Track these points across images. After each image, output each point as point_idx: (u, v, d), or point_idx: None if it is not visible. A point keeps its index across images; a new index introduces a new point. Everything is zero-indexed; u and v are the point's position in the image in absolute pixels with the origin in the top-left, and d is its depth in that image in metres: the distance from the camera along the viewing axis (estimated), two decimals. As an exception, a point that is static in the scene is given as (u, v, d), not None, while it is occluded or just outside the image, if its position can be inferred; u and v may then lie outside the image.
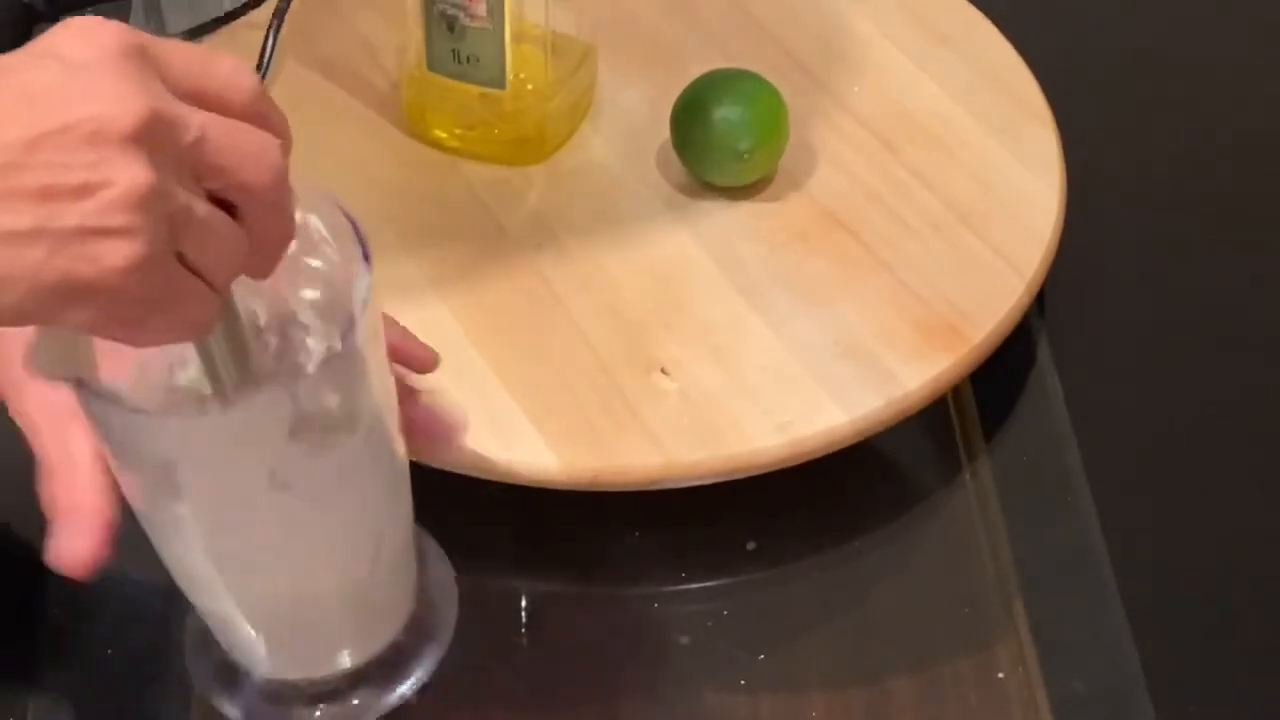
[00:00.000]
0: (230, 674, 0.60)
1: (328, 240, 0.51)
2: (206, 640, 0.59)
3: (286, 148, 0.44)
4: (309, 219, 0.50)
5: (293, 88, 0.83)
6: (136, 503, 0.51)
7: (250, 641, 0.57)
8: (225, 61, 0.44)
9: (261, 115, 0.44)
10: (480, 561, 0.67)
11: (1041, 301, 0.74)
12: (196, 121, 0.42)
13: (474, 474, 0.66)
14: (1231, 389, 0.74)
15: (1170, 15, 0.94)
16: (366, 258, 0.49)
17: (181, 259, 0.43)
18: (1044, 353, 0.75)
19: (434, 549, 0.64)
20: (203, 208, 0.42)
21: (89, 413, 0.48)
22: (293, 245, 0.47)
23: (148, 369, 0.50)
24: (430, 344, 0.70)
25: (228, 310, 0.47)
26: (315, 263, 0.51)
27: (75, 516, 0.52)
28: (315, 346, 0.51)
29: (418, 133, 0.81)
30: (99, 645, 0.64)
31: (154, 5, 0.93)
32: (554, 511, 0.67)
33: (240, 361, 0.48)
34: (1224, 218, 0.82)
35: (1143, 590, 0.66)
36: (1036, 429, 0.73)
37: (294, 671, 0.59)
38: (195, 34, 0.85)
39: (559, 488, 0.66)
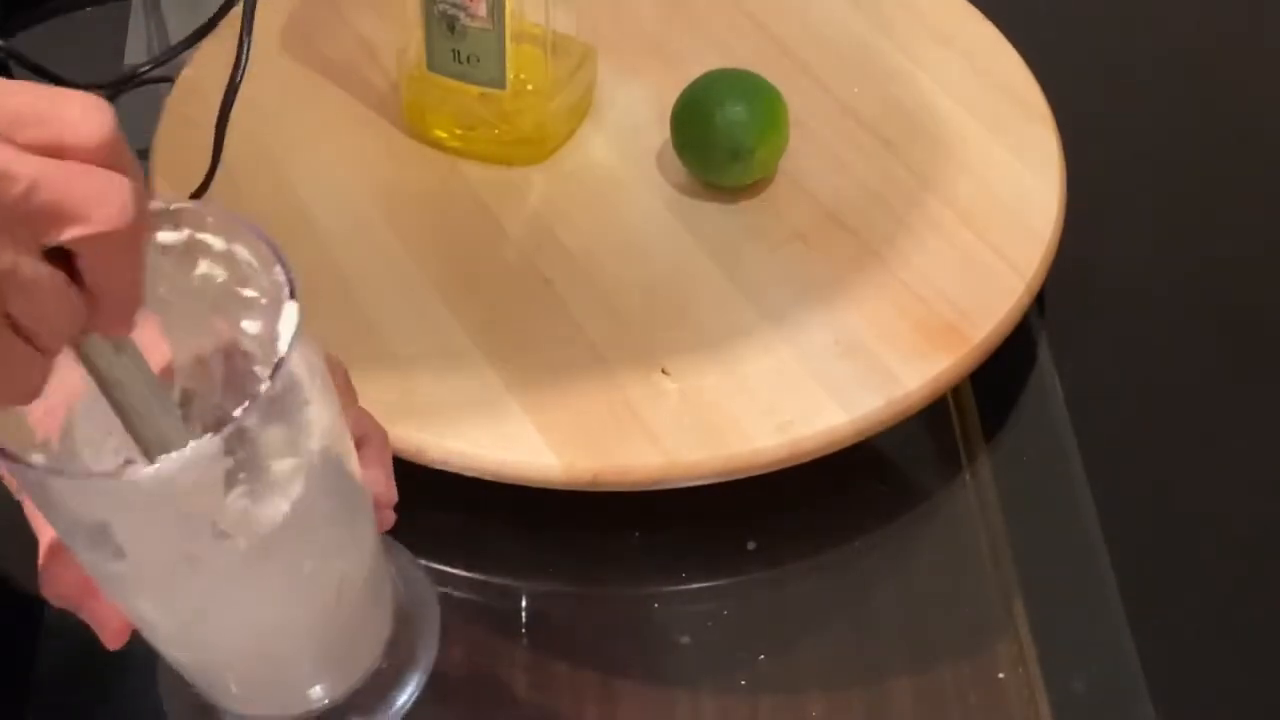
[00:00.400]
0: (205, 714, 0.58)
1: (256, 269, 0.48)
2: (180, 680, 0.57)
3: (138, 191, 0.40)
4: (234, 248, 0.48)
5: (293, 88, 0.83)
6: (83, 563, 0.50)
7: (219, 685, 0.56)
8: (71, 102, 0.39)
9: (114, 158, 0.40)
10: (480, 561, 0.67)
11: (1041, 301, 0.74)
12: (24, 171, 0.38)
13: (474, 474, 0.66)
14: (1232, 389, 0.74)
15: (1170, 15, 0.93)
16: (291, 286, 0.46)
17: (8, 320, 0.39)
18: (1044, 353, 0.75)
19: (408, 561, 0.61)
20: (29, 267, 0.38)
21: (17, 479, 0.45)
22: (224, 275, 0.45)
23: (80, 429, 0.48)
24: (430, 344, 0.70)
25: (133, 364, 0.44)
26: (250, 292, 0.49)
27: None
28: (263, 374, 0.49)
29: (418, 133, 0.81)
30: (99, 645, 0.64)
31: (154, 5, 0.93)
32: (554, 511, 0.67)
33: (159, 410, 0.45)
34: (1224, 217, 0.82)
35: (1143, 590, 0.66)
36: (1036, 429, 0.73)
37: (268, 711, 0.58)
38: (197, 35, 0.85)
39: (559, 488, 0.66)
